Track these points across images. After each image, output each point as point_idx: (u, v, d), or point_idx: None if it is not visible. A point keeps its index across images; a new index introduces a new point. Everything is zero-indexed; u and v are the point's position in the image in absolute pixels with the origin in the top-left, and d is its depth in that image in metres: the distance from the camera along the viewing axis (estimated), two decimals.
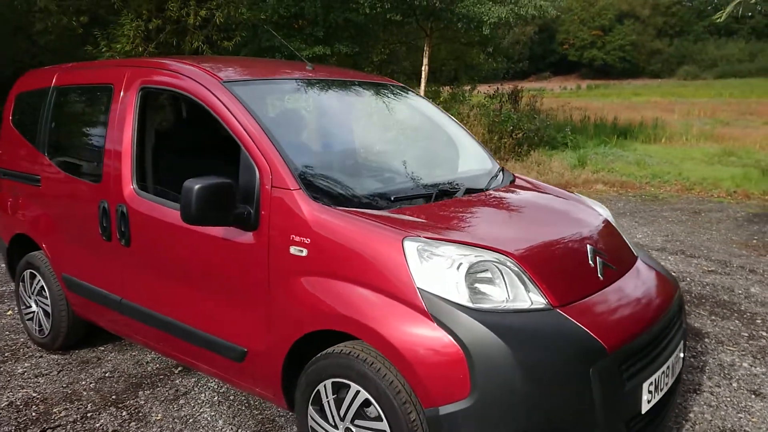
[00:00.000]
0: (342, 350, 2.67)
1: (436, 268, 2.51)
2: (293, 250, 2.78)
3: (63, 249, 4.12)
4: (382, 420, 2.55)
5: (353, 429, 2.67)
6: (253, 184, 2.91)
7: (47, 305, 4.33)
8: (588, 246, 2.97)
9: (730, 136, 18.67)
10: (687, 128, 19.82)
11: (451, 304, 2.44)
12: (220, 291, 3.12)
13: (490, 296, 2.49)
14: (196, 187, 2.77)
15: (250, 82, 3.45)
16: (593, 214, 3.50)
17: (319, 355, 2.77)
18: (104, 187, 3.66)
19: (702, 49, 43.34)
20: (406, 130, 3.95)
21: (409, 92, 4.31)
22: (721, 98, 30.93)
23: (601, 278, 2.86)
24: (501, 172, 3.81)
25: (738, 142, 17.47)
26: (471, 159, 3.94)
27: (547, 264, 2.70)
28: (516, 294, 2.51)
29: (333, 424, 2.74)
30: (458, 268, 2.51)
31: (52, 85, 4.21)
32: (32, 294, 4.46)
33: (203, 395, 3.82)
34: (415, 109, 4.20)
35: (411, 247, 2.55)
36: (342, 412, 2.68)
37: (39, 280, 4.36)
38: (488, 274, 2.53)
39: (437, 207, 3.08)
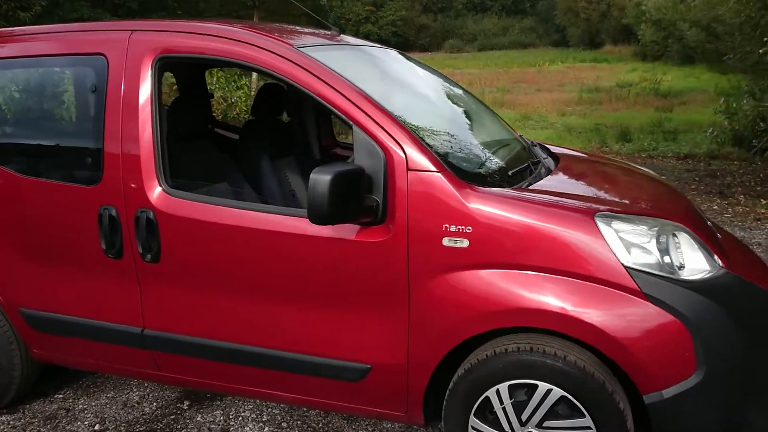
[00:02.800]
0: (520, 347, 2.37)
1: (636, 243, 2.33)
2: (447, 241, 2.39)
3: (19, 277, 3.12)
4: (583, 416, 2.33)
5: None
6: (376, 168, 2.43)
7: None
8: (695, 207, 3.00)
9: (518, 102, 20.51)
10: (481, 96, 21.36)
11: (663, 279, 2.28)
12: (328, 303, 2.60)
13: (690, 266, 2.37)
14: (329, 177, 2.25)
15: (323, 47, 2.87)
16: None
17: (483, 358, 2.42)
18: (106, 190, 2.81)
19: (462, 24, 47.14)
20: (452, 99, 3.61)
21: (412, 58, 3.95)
22: (490, 69, 33.80)
23: (720, 237, 2.90)
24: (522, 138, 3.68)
25: (527, 107, 19.26)
26: (498, 126, 3.74)
27: (700, 229, 2.65)
28: (706, 261, 2.43)
29: (509, 431, 2.44)
30: (658, 240, 2.35)
31: None
32: None
33: (248, 428, 3.20)
34: (438, 75, 3.85)
35: (605, 223, 2.33)
36: (525, 416, 2.40)
37: None
38: (680, 244, 2.41)
39: (556, 180, 2.87)
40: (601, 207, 2.44)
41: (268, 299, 2.68)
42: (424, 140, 2.49)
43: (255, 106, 3.90)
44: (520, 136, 3.72)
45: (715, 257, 2.47)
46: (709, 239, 2.61)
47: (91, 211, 2.85)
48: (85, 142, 2.92)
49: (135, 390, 3.60)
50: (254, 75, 12.58)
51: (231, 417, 3.30)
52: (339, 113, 2.51)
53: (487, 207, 2.37)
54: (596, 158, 3.87)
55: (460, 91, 3.74)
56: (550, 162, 3.22)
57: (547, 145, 3.75)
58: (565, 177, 3.02)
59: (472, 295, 2.39)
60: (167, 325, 2.87)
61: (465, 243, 2.37)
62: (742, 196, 7.90)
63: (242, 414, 3.32)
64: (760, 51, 6.27)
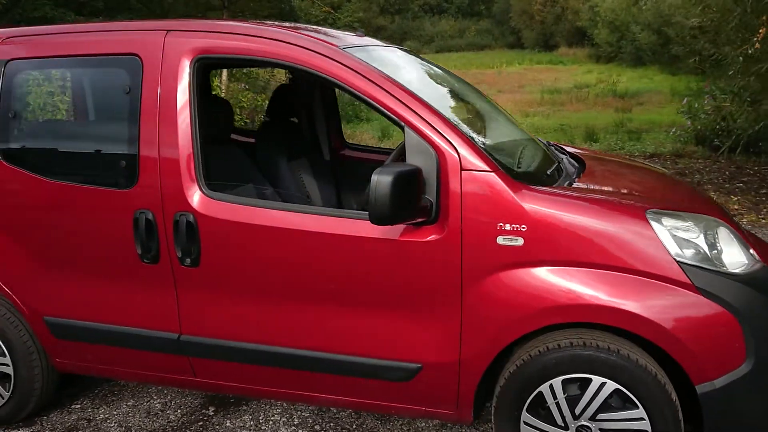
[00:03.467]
0: (573, 342, 2.43)
1: (686, 238, 2.41)
2: (502, 240, 2.42)
3: (43, 285, 3.02)
4: (637, 407, 2.39)
5: (591, 426, 2.45)
6: (428, 168, 2.45)
7: (4, 364, 3.16)
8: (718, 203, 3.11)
9: None
10: None
11: (712, 272, 2.37)
12: (378, 303, 2.60)
13: (732, 260, 2.47)
14: (391, 177, 2.26)
15: (363, 48, 2.87)
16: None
17: (536, 354, 2.47)
18: (142, 193, 2.75)
19: (420, 26, 47.36)
20: (478, 100, 3.64)
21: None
22: (452, 70, 34.17)
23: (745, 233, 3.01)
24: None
25: None
26: (516, 126, 3.80)
27: (733, 224, 2.75)
28: (744, 255, 2.52)
29: (562, 425, 2.49)
30: (705, 235, 2.44)
31: None
32: None
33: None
34: (453, 76, 3.88)
35: (656, 219, 2.40)
36: (578, 410, 2.45)
37: None
38: (722, 239, 2.50)
39: (591, 179, 2.93)
40: (650, 204, 2.51)
41: (315, 301, 2.67)
42: (474, 140, 2.52)
43: (270, 107, 3.87)
44: (535, 136, 3.78)
45: (751, 251, 2.57)
46: (742, 233, 2.71)
47: (125, 215, 2.78)
48: (119, 145, 2.84)
49: (155, 397, 3.53)
50: (224, 76, 12.39)
51: (261, 421, 3.26)
52: (390, 115, 2.52)
53: (541, 205, 2.41)
54: (613, 157, 3.97)
55: (478, 93, 3.79)
56: (572, 162, 3.28)
57: (561, 145, 3.83)
58: (599, 176, 3.09)
59: (527, 292, 2.42)
60: (206, 329, 2.82)
61: (520, 241, 2.41)
62: (713, 194, 8.18)
63: (272, 418, 3.29)
64: (749, 50, 6.49)
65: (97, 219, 2.86)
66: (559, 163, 3.10)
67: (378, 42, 3.47)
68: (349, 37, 3.05)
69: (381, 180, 2.26)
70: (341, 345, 2.67)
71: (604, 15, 29.63)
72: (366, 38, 3.40)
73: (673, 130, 12.06)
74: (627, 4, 28.25)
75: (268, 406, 3.39)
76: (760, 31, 5.25)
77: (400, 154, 3.30)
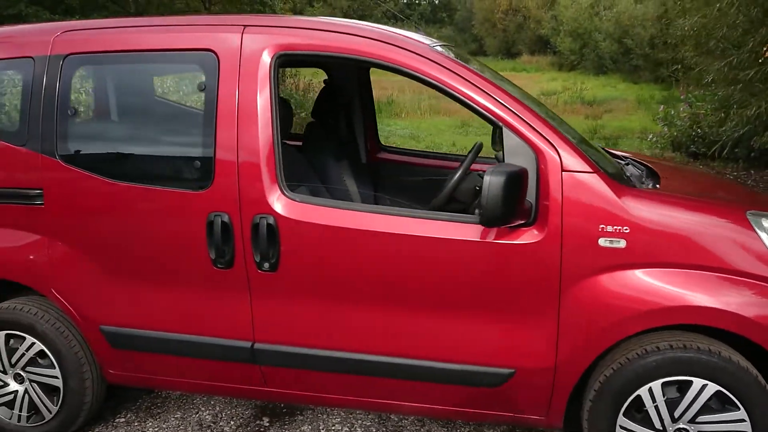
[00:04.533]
0: (673, 345, 2.42)
1: None
2: (603, 242, 2.39)
3: (101, 292, 2.86)
4: (738, 409, 2.39)
5: (689, 428, 2.44)
6: (528, 170, 2.42)
7: (53, 376, 2.98)
8: None
9: (453, 110, 20.85)
10: (417, 104, 21.60)
11: None
12: (471, 307, 2.54)
13: None
14: (503, 178, 2.23)
15: (446, 47, 2.81)
16: None
17: (634, 357, 2.44)
18: (218, 195, 2.63)
19: None
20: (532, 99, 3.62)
21: None
22: None
23: None
24: None
25: (463, 114, 19.65)
26: None
27: None
28: None
29: (660, 428, 2.47)
30: None
31: (49, 53, 2.81)
32: (11, 367, 3.02)
33: None
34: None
35: (756, 220, 2.42)
36: (678, 413, 2.43)
37: (30, 345, 2.97)
38: None
39: (673, 182, 2.93)
40: (746, 206, 2.52)
41: (402, 306, 2.59)
42: (572, 141, 2.50)
43: (316, 108, 3.78)
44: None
45: None
46: None
47: (198, 218, 2.65)
48: (193, 144, 2.71)
49: (203, 408, 3.39)
50: None
51: (321, 431, 3.16)
52: (489, 115, 2.47)
53: (643, 207, 2.40)
54: (662, 161, 4.00)
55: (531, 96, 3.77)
56: (637, 165, 3.28)
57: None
58: (676, 179, 3.09)
59: (627, 295, 2.40)
60: (282, 337, 2.71)
61: (622, 243, 2.39)
62: None
63: (332, 428, 3.19)
64: (735, 60, 6.66)
65: (166, 222, 2.72)
66: (624, 165, 3.10)
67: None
68: (424, 37, 2.99)
69: (494, 181, 2.22)
70: (429, 351, 2.60)
71: (566, 24, 30.25)
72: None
73: (650, 136, 12.33)
74: (589, 14, 28.91)
75: (325, 416, 3.29)
76: None
77: (476, 156, 3.28)
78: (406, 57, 2.55)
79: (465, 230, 2.47)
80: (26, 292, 3.12)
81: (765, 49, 5.49)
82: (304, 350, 2.70)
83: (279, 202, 2.59)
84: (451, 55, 2.63)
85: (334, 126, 3.85)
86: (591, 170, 2.41)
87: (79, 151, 2.82)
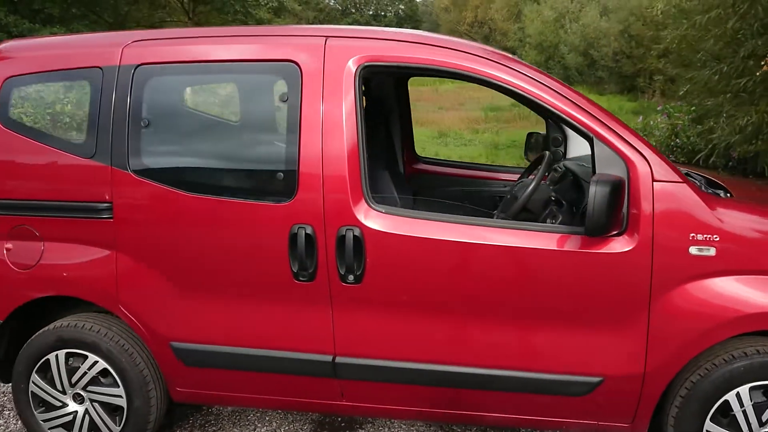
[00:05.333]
0: (760, 350, 2.48)
1: None
2: (694, 250, 2.44)
3: (173, 308, 2.79)
4: None
5: None
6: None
7: (116, 395, 2.89)
8: None
9: (428, 120, 20.99)
10: None
11: None
12: (560, 317, 2.56)
13: None
14: (609, 187, 2.27)
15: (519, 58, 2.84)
16: None
17: (721, 362, 2.49)
18: (301, 207, 2.60)
19: None
20: None
21: None
22: None
23: None
24: None
25: (440, 125, 19.78)
26: None
27: None
28: None
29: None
30: None
31: (119, 63, 2.74)
32: (71, 386, 2.91)
33: None
34: None
35: None
36: (765, 416, 2.49)
37: (92, 364, 2.87)
38: None
39: (739, 191, 3.00)
40: None
41: (489, 316, 2.59)
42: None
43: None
44: None
45: None
46: None
47: (280, 230, 2.61)
48: (275, 156, 2.68)
49: (259, 424, 3.32)
50: None
51: None
52: (579, 126, 2.50)
53: (732, 215, 2.46)
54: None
55: None
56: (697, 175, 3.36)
57: None
58: (743, 189, 3.16)
59: (716, 303, 2.45)
60: (364, 350, 2.68)
61: (712, 251, 2.44)
62: None
63: None
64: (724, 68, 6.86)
65: (246, 235, 2.67)
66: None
67: None
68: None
69: (600, 191, 2.25)
70: (516, 361, 2.61)
71: (532, 36, 30.80)
72: None
73: None
74: (554, 27, 29.51)
75: (386, 428, 3.26)
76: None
77: (537, 167, 3.31)
78: (495, 69, 2.57)
79: (556, 240, 2.49)
80: (81, 309, 3.03)
81: (763, 63, 5.67)
82: (387, 363, 2.67)
83: (365, 214, 2.57)
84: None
85: (374, 137, 3.85)
86: (681, 180, 2.46)
87: (154, 163, 2.75)
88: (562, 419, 2.70)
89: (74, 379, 2.90)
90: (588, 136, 2.49)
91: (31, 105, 2.92)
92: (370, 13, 45.18)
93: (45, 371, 2.93)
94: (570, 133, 4.01)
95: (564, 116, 2.51)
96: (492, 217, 3.19)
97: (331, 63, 2.60)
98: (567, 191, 3.12)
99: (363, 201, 2.58)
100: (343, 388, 2.76)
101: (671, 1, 6.17)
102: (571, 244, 2.48)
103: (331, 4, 41.25)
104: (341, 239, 2.57)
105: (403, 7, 44.38)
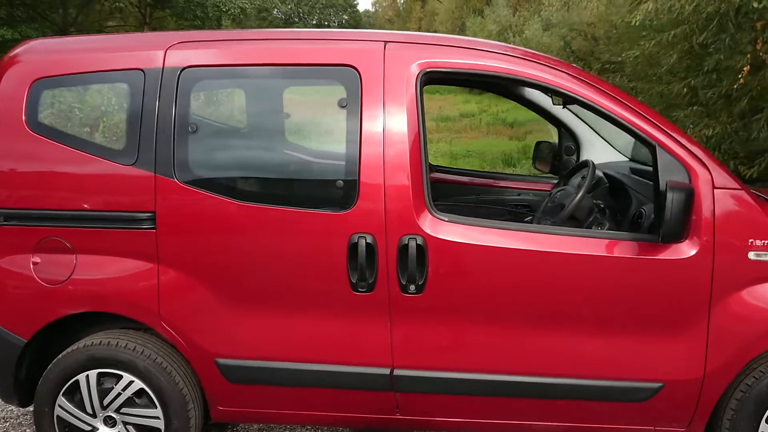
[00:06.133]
0: None
1: None
2: (752, 255, 2.50)
3: (220, 322, 2.65)
4: None
5: None
6: None
7: (154, 417, 2.72)
8: None
9: None
10: None
11: None
12: (622, 323, 2.57)
13: None
14: (685, 194, 2.30)
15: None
16: None
17: None
18: (362, 216, 2.52)
19: None
20: None
21: None
22: None
23: None
24: None
25: None
26: None
27: None
28: None
29: None
30: None
31: (163, 66, 2.60)
32: (102, 409, 2.73)
33: None
34: None
35: None
36: None
37: (127, 384, 2.70)
38: None
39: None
40: None
41: (551, 324, 2.57)
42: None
43: None
44: None
45: None
46: None
47: (338, 240, 2.53)
48: (334, 163, 2.59)
49: None
50: None
51: None
52: (640, 134, 2.52)
53: None
54: None
55: None
56: None
57: None
58: None
59: None
60: (423, 361, 2.62)
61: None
62: None
63: None
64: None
65: (301, 245, 2.57)
66: None
67: None
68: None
69: (677, 197, 2.27)
70: (578, 369, 2.60)
71: None
72: None
73: None
74: (498, 40, 30.07)
75: None
76: (744, 69, 5.87)
77: (573, 175, 3.33)
78: (559, 77, 2.57)
79: (623, 247, 2.51)
80: (106, 325, 2.84)
81: (740, 76, 5.93)
82: (447, 374, 2.62)
83: (428, 222, 2.52)
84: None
85: None
86: (739, 187, 2.52)
87: (202, 171, 2.61)
88: (620, 426, 2.71)
89: (106, 400, 2.72)
90: (651, 145, 2.52)
91: (63, 109, 2.73)
92: (314, 22, 45.04)
93: (73, 393, 2.73)
94: (583, 141, 4.09)
95: (628, 125, 2.53)
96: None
97: (392, 68, 2.55)
98: (604, 198, 3.15)
99: (425, 209, 2.53)
100: (399, 401, 2.69)
101: (635, 17, 6.37)
102: (638, 251, 2.50)
103: (274, 13, 40.83)
104: (403, 248, 2.51)
105: (347, 17, 44.43)
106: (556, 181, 4.16)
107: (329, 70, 2.60)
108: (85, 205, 2.62)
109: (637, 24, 6.45)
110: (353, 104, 2.53)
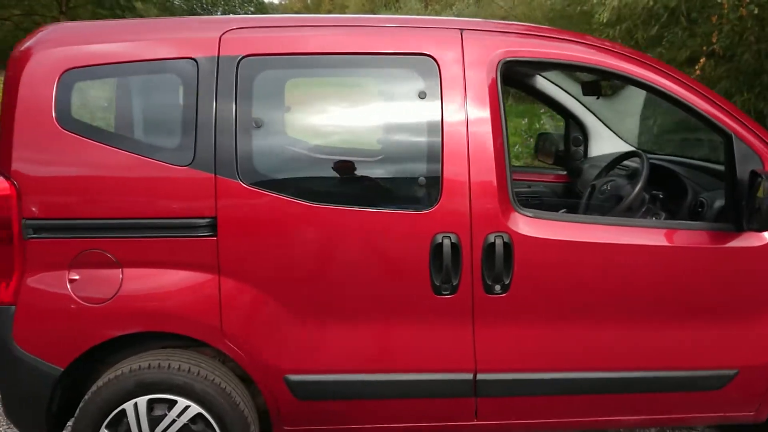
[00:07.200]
0: None
1: None
2: None
3: (292, 335, 2.42)
4: None
5: None
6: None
7: None
8: None
9: None
10: None
11: None
12: (705, 313, 2.57)
13: None
14: None
15: None
16: None
17: None
18: (446, 214, 2.37)
19: None
20: None
21: None
22: None
23: None
24: None
25: None
26: None
27: None
28: None
29: None
30: None
31: (218, 54, 2.32)
32: None
33: None
34: None
35: None
36: None
37: (182, 410, 2.42)
38: None
39: None
40: None
41: (639, 318, 2.53)
42: None
43: None
44: None
45: None
46: None
47: (420, 240, 2.37)
48: (414, 159, 2.42)
49: None
50: None
51: None
52: (718, 124, 2.51)
53: None
54: None
55: None
56: None
57: None
58: None
59: None
60: (507, 364, 2.51)
61: None
62: None
63: None
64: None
65: (378, 247, 2.39)
66: None
67: None
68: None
69: None
70: (659, 361, 2.58)
71: None
72: None
73: (516, 146, 13.30)
74: None
75: None
76: (701, 60, 6.13)
77: (614, 166, 3.30)
78: (641, 67, 2.52)
79: (706, 237, 2.50)
80: (147, 345, 2.55)
81: (697, 67, 6.19)
82: (531, 375, 2.53)
83: (513, 219, 2.41)
84: None
85: None
86: None
87: (269, 171, 2.37)
88: (693, 414, 2.72)
89: (158, 429, 2.43)
90: (727, 135, 2.52)
91: (100, 103, 2.40)
92: (219, 13, 43.59)
93: (117, 425, 2.42)
94: (591, 133, 4.10)
95: (706, 115, 2.52)
96: None
97: (471, 57, 2.41)
98: (653, 188, 3.14)
99: (510, 205, 2.42)
100: (479, 406, 2.57)
101: (602, 14, 6.55)
102: (718, 240, 2.50)
103: (176, 3, 39.07)
104: (489, 247, 2.39)
105: (252, 9, 43.28)
106: (563, 172, 4.16)
107: (404, 59, 2.42)
108: (132, 212, 2.32)
109: (604, 21, 6.59)
110: (432, 95, 2.38)
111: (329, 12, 39.43)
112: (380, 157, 2.48)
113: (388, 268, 2.41)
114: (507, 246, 2.39)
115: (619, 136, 4.08)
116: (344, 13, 37.67)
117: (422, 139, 2.41)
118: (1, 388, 2.48)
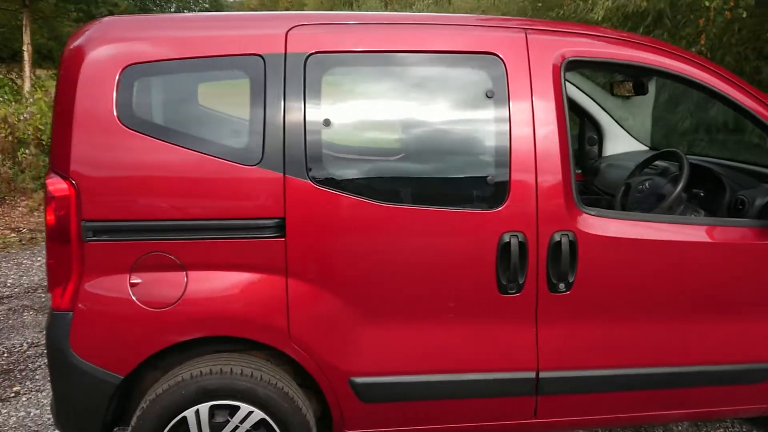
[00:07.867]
0: None
1: None
2: None
3: (359, 337, 2.39)
4: None
5: None
6: None
7: None
8: None
9: None
10: None
11: None
12: (754, 306, 2.64)
13: None
14: None
15: None
16: None
17: None
18: (513, 213, 2.38)
19: None
20: None
21: None
22: None
23: None
24: None
25: None
26: None
27: None
28: None
29: None
30: None
31: (285, 51, 2.26)
32: None
33: None
34: None
35: None
36: None
37: (245, 416, 2.35)
38: None
39: None
40: None
41: (697, 313, 2.59)
42: None
43: None
44: None
45: None
46: None
47: (487, 239, 2.37)
48: (482, 157, 2.41)
49: None
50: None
51: None
52: (764, 121, 2.59)
53: None
54: None
55: None
56: None
57: None
58: None
59: None
60: (570, 362, 2.53)
61: None
62: None
63: None
64: None
65: (446, 247, 2.37)
66: None
67: None
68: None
69: None
70: (712, 356, 2.64)
71: None
72: None
73: None
74: None
75: None
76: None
77: (651, 162, 3.36)
78: (701, 70, 2.57)
79: (754, 234, 2.58)
80: (201, 349, 2.47)
81: None
82: (593, 372, 2.56)
83: (578, 217, 2.43)
84: None
85: None
86: None
87: (339, 170, 2.32)
88: (736, 407, 2.79)
89: None
90: None
91: (163, 100, 2.31)
92: (172, 10, 42.61)
93: None
94: (606, 133, 4.17)
95: (757, 115, 2.59)
96: None
97: (536, 57, 2.42)
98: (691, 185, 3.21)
99: (574, 203, 2.44)
100: (539, 404, 2.58)
101: (597, 13, 6.65)
102: (763, 236, 2.58)
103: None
104: (555, 246, 2.40)
105: (207, 6, 42.44)
106: (578, 171, 4.22)
107: (472, 59, 2.41)
108: (197, 213, 2.25)
109: (599, 20, 6.70)
110: (500, 95, 2.38)
111: (287, 10, 39.04)
112: (448, 155, 2.47)
113: (456, 268, 2.40)
114: (572, 244, 2.41)
115: (632, 135, 4.17)
116: (302, 10, 37.31)
117: (489, 137, 2.40)
118: (55, 397, 2.37)
